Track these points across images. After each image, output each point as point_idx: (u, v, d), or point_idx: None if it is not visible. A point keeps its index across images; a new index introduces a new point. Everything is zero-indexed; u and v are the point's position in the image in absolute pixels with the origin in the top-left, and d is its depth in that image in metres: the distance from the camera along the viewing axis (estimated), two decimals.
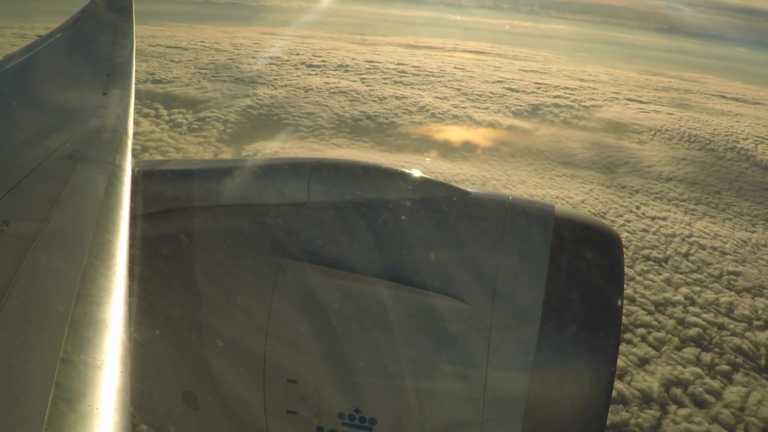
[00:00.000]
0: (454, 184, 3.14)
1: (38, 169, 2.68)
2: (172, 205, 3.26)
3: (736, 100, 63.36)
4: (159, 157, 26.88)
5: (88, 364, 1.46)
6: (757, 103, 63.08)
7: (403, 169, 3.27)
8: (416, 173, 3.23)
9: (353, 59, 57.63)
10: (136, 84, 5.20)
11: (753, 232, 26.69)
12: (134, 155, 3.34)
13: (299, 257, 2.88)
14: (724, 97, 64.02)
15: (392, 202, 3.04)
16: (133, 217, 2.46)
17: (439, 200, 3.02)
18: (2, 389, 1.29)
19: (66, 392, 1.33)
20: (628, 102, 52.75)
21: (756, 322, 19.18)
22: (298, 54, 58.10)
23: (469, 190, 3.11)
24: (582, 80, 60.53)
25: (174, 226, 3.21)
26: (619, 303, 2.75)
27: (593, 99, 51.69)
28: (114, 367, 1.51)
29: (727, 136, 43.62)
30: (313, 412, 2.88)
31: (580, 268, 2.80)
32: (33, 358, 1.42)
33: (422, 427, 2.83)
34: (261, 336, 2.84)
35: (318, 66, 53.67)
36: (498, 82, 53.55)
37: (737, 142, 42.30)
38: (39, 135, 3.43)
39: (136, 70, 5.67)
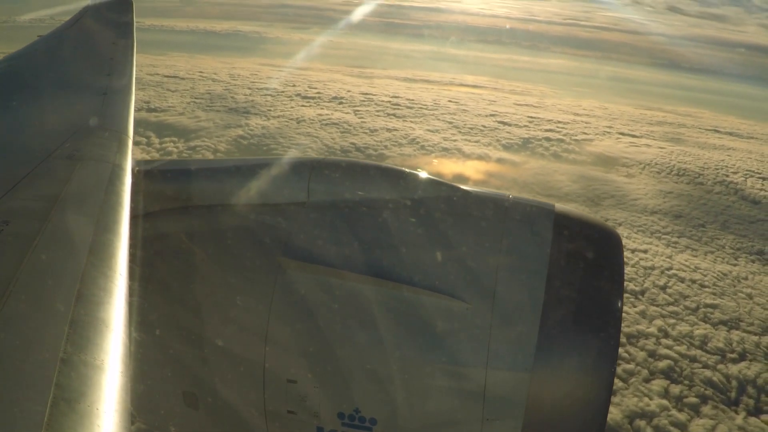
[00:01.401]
0: (454, 183, 3.15)
1: (38, 169, 2.67)
2: (172, 205, 3.26)
3: (730, 134, 63.68)
4: None
5: (88, 364, 1.45)
6: (752, 138, 63.36)
7: (403, 168, 3.27)
8: (416, 172, 3.22)
9: (348, 91, 58.12)
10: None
11: (735, 265, 26.72)
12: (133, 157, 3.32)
13: (299, 257, 2.88)
14: (718, 131, 64.33)
15: (392, 201, 3.03)
16: (134, 216, 2.46)
17: (439, 199, 3.02)
18: (2, 389, 1.28)
19: (66, 392, 1.32)
20: (620, 136, 52.99)
21: (730, 355, 19.16)
22: (294, 85, 58.65)
23: (469, 189, 3.10)
24: (576, 114, 60.86)
25: (174, 226, 3.21)
26: (620, 303, 2.74)
27: (585, 133, 51.95)
28: (114, 367, 1.49)
29: (717, 170, 43.78)
30: (313, 412, 2.87)
31: (580, 268, 2.80)
32: (33, 358, 1.41)
33: (422, 427, 2.83)
34: (261, 336, 2.84)
35: (313, 98, 54.12)
36: (491, 115, 53.87)
37: (727, 175, 42.45)
38: (39, 135, 3.42)
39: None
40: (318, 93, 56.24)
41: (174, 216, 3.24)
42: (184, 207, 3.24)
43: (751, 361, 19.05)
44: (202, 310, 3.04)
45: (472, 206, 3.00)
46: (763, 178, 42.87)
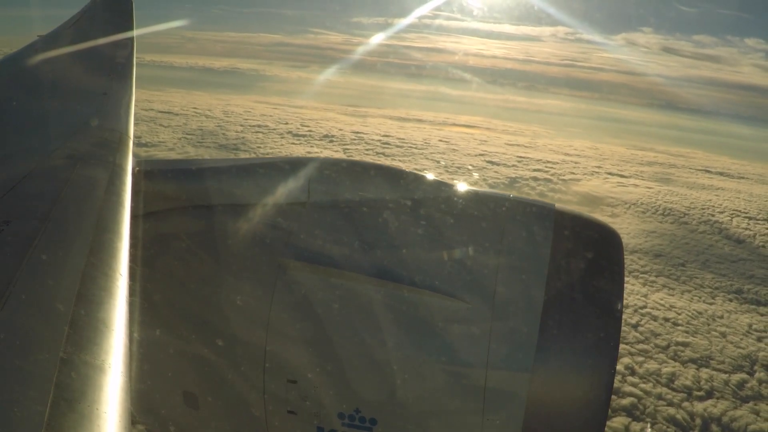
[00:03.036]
0: (453, 183, 3.17)
1: (38, 169, 2.65)
2: (172, 205, 3.25)
3: (721, 174, 64.13)
4: None
5: (88, 364, 1.44)
6: (742, 178, 63.79)
7: (404, 169, 3.30)
8: (416, 173, 3.23)
9: (340, 130, 58.80)
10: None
11: (711, 303, 26.72)
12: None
13: (300, 257, 2.88)
14: (708, 171, 64.80)
15: (393, 201, 3.03)
16: (134, 216, 2.44)
17: (439, 199, 3.03)
18: (2, 389, 1.27)
19: (66, 392, 1.31)
20: (609, 176, 53.38)
21: (696, 393, 19.10)
22: (286, 123, 59.36)
23: (469, 189, 3.13)
24: (566, 154, 61.43)
25: (174, 226, 3.21)
26: (620, 303, 2.74)
27: (573, 173, 52.37)
28: (114, 367, 1.48)
29: (703, 209, 44.00)
30: (313, 412, 2.86)
31: (580, 268, 2.79)
32: (33, 358, 1.40)
33: (422, 427, 2.83)
34: (261, 336, 2.84)
35: (303, 135, 54.71)
36: (480, 155, 54.41)
37: (713, 215, 42.65)
38: (39, 135, 3.41)
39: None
40: (309, 131, 56.85)
41: (174, 216, 3.24)
42: (184, 207, 3.24)
43: (718, 399, 18.99)
44: (202, 310, 3.05)
45: (472, 206, 3.01)
46: (749, 218, 43.11)
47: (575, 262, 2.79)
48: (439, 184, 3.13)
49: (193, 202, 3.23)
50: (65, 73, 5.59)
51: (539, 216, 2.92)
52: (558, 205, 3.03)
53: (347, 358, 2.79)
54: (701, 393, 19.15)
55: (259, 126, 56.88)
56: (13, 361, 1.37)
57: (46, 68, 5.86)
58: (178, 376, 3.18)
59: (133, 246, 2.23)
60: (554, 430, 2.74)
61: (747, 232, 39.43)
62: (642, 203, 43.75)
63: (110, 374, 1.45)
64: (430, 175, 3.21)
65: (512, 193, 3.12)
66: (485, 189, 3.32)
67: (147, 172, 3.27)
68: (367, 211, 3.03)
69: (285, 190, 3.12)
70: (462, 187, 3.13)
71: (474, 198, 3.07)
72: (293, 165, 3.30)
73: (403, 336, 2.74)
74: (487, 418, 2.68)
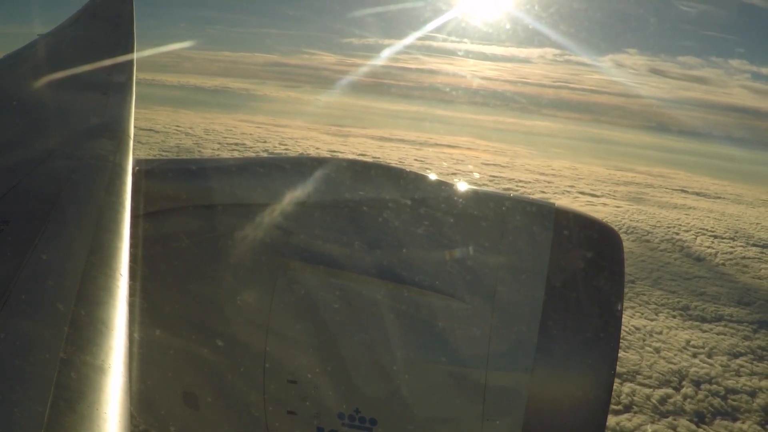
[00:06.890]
0: (453, 182, 3.20)
1: (38, 169, 2.65)
2: (172, 205, 3.25)
3: (697, 194, 64.37)
4: None
5: (88, 364, 1.44)
6: (719, 198, 64.03)
7: (403, 168, 3.34)
8: (416, 172, 3.27)
9: (317, 149, 59.32)
10: None
11: (652, 320, 26.94)
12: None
13: (299, 257, 2.90)
14: (685, 191, 65.03)
15: (392, 201, 3.05)
16: (134, 216, 2.44)
17: (439, 199, 3.04)
18: (2, 389, 1.27)
19: (66, 392, 1.31)
20: (579, 195, 53.65)
21: (613, 407, 19.40)
22: (264, 142, 59.90)
23: (468, 188, 3.16)
24: (541, 174, 61.86)
25: (174, 226, 3.20)
26: (620, 302, 2.78)
27: (543, 192, 52.60)
28: (114, 368, 1.48)
29: (668, 228, 44.21)
30: (313, 413, 2.87)
31: (580, 267, 2.82)
32: (33, 358, 1.40)
33: (422, 427, 2.83)
34: (261, 336, 2.85)
35: (280, 154, 55.04)
36: (452, 174, 54.85)
37: (677, 233, 42.87)
38: (39, 135, 3.42)
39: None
40: (286, 150, 57.40)
41: (174, 216, 3.25)
42: (184, 207, 3.25)
43: (634, 413, 19.27)
44: (202, 311, 3.07)
45: (472, 205, 3.02)
46: (715, 237, 43.36)
47: (575, 261, 2.84)
48: (439, 184, 3.17)
49: (193, 202, 3.25)
50: (65, 73, 5.59)
51: (539, 215, 2.97)
52: (558, 204, 3.09)
53: (347, 358, 2.81)
54: (619, 407, 19.38)
55: (236, 144, 57.45)
56: (13, 361, 1.37)
57: (47, 67, 5.88)
58: (178, 377, 3.20)
59: (133, 246, 2.24)
60: (554, 430, 2.78)
61: (709, 250, 39.71)
62: (606, 221, 43.94)
63: (110, 374, 1.45)
64: (430, 175, 3.25)
65: (512, 192, 3.20)
66: (485, 188, 3.38)
67: (147, 172, 3.29)
68: (366, 211, 3.06)
69: (285, 189, 3.14)
70: (462, 186, 3.16)
71: (474, 197, 3.11)
72: (293, 164, 3.38)
73: (403, 336, 2.76)
74: (487, 419, 2.71)
